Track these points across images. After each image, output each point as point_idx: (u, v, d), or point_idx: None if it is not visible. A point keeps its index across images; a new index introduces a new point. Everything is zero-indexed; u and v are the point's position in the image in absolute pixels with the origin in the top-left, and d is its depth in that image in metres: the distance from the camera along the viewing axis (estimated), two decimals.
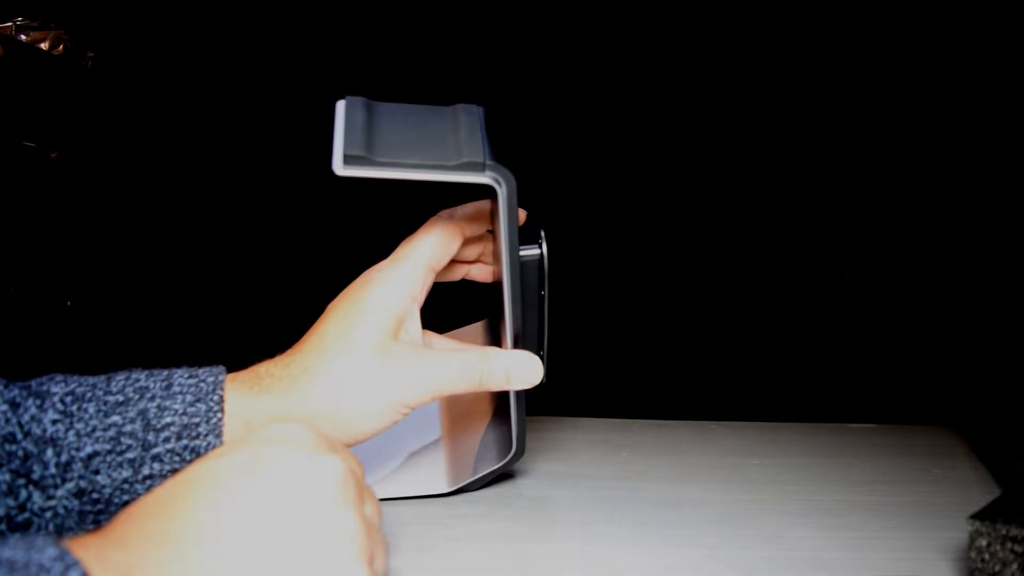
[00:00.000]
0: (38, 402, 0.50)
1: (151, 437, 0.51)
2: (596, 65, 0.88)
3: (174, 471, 0.51)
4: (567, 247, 0.65)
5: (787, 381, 0.92)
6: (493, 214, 0.58)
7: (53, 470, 0.49)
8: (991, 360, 0.87)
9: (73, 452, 0.50)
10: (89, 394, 0.51)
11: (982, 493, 0.66)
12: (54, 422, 0.50)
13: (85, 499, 0.50)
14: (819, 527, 0.61)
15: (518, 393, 0.61)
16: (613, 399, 0.88)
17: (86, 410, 0.51)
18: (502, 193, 0.54)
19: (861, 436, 0.77)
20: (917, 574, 0.55)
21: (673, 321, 0.94)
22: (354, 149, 0.52)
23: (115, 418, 0.51)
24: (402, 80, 0.87)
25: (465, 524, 0.60)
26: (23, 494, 0.48)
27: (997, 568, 0.50)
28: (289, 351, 0.56)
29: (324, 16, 0.86)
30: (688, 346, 0.94)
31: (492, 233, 0.62)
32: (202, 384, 0.53)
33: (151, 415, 0.51)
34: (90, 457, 0.50)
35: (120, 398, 0.51)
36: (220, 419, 0.52)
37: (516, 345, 0.59)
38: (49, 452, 0.49)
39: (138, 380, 0.53)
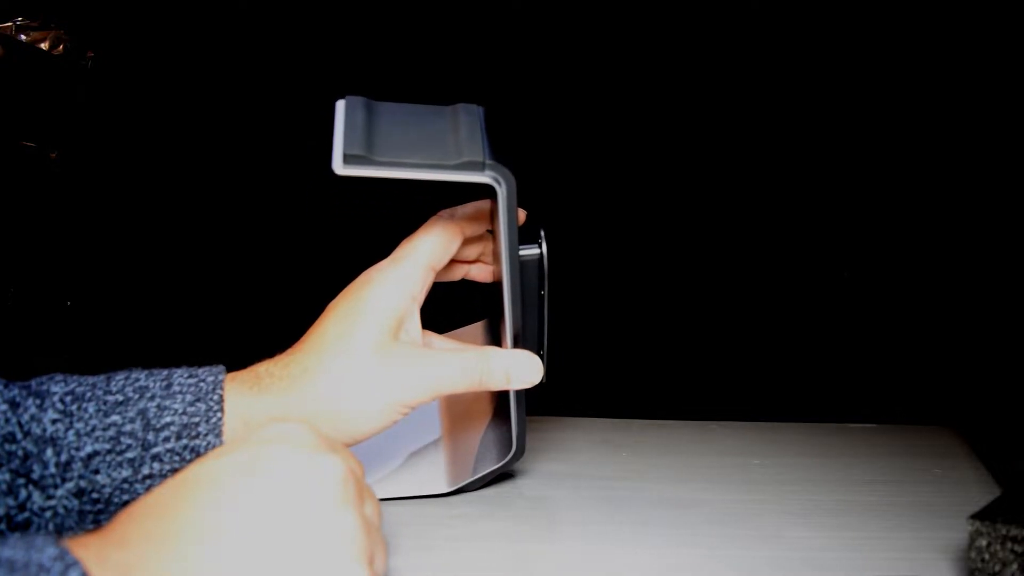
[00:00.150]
0: (38, 402, 0.50)
1: (151, 437, 0.51)
2: (596, 65, 0.88)
3: (174, 471, 0.51)
4: (567, 247, 0.65)
5: (787, 381, 0.92)
6: (493, 214, 0.58)
7: (53, 470, 0.49)
8: (991, 360, 0.87)
9: (73, 452, 0.50)
10: (89, 394, 0.51)
11: (982, 493, 0.66)
12: (54, 422, 0.50)
13: (85, 499, 0.50)
14: (819, 527, 0.61)
15: (518, 393, 0.61)
16: (613, 399, 0.88)
17: (86, 410, 0.51)
18: (502, 192, 0.54)
19: (861, 436, 0.77)
20: (917, 574, 0.55)
21: (673, 321, 0.94)
22: (354, 148, 0.52)
23: (115, 418, 0.51)
24: (402, 80, 0.87)
25: (465, 524, 0.60)
26: (23, 494, 0.48)
27: (997, 568, 0.50)
28: (289, 351, 0.56)
29: (324, 16, 0.86)
30: (688, 346, 0.94)
31: (492, 233, 0.62)
32: (202, 384, 0.53)
33: (151, 415, 0.51)
34: (90, 457, 0.50)
35: (120, 398, 0.51)
36: (220, 419, 0.52)
37: (516, 345, 0.59)
38: (49, 452, 0.49)
39: (138, 380, 0.53)
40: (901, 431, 0.78)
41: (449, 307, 0.65)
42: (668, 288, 0.93)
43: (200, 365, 0.55)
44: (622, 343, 0.94)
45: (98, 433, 0.50)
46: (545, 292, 0.60)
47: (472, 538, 0.58)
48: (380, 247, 0.59)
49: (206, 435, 0.52)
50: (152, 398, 0.52)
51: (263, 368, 0.55)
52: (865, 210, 0.90)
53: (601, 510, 0.62)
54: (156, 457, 0.51)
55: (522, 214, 0.59)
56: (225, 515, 0.40)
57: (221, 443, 0.52)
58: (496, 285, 0.61)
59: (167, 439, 0.51)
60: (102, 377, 0.53)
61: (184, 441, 0.51)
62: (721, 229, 0.92)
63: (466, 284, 0.65)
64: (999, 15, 0.81)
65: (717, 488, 0.66)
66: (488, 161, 0.53)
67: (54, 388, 0.51)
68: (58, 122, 0.82)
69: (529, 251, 0.59)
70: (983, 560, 0.50)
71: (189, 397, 0.52)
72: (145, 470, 0.51)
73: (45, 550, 0.36)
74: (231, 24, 0.86)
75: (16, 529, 0.48)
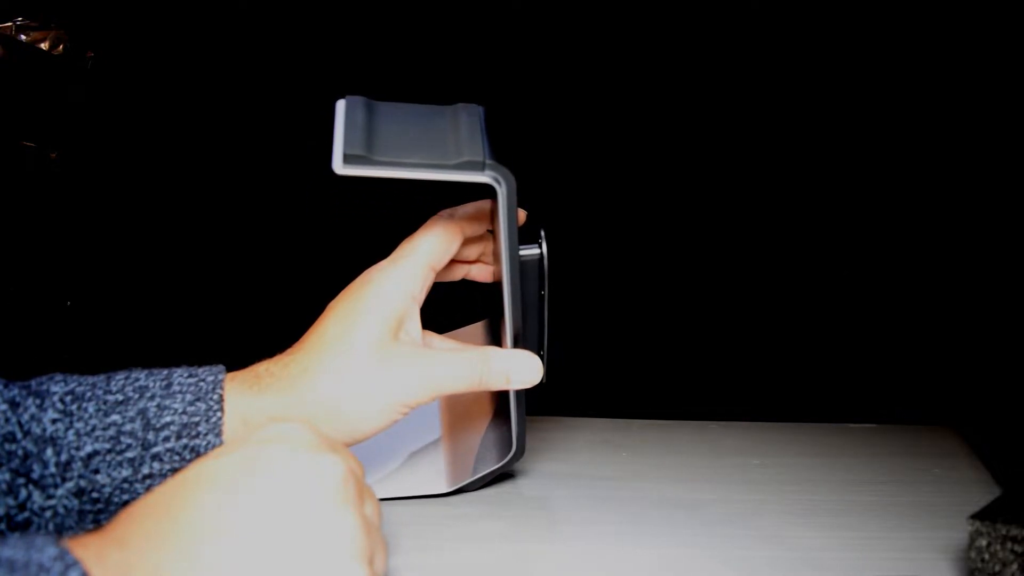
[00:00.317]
0: (38, 401, 0.50)
1: (151, 436, 0.51)
2: (596, 65, 0.88)
3: (174, 470, 0.51)
4: (567, 247, 0.65)
5: (787, 381, 0.92)
6: (493, 214, 0.58)
7: (53, 469, 0.49)
8: (991, 360, 0.87)
9: (73, 451, 0.50)
10: (89, 393, 0.51)
11: (982, 493, 0.66)
12: (54, 421, 0.50)
13: (85, 498, 0.50)
14: (819, 527, 0.61)
15: (518, 393, 0.61)
16: (613, 399, 0.88)
17: (86, 409, 0.51)
18: (502, 192, 0.54)
19: (861, 436, 0.77)
20: (917, 574, 0.55)
21: (673, 321, 0.94)
22: (354, 148, 0.52)
23: (115, 417, 0.51)
24: (402, 80, 0.87)
25: (465, 524, 0.60)
26: (23, 493, 0.48)
27: (997, 568, 0.50)
28: (289, 350, 0.56)
29: (324, 16, 0.86)
30: (688, 346, 0.94)
31: (492, 233, 0.62)
32: (202, 383, 0.53)
33: (151, 414, 0.51)
34: (90, 456, 0.50)
35: (120, 397, 0.51)
36: (219, 418, 0.52)
37: (516, 345, 0.59)
38: (49, 451, 0.49)
39: (138, 379, 0.53)
40: (901, 431, 0.78)
41: (449, 307, 0.65)
42: (668, 288, 0.93)
43: (200, 365, 0.55)
44: (622, 343, 0.94)
45: (98, 433, 0.50)
46: (545, 292, 0.60)
47: (472, 538, 0.58)
48: (380, 247, 0.59)
49: (206, 435, 0.52)
50: (152, 398, 0.52)
51: (263, 368, 0.55)
52: (865, 210, 0.90)
53: (601, 510, 0.62)
54: (156, 457, 0.51)
55: (522, 214, 0.59)
56: (225, 515, 0.40)
57: (221, 443, 0.52)
58: (496, 285, 0.61)
59: (167, 439, 0.51)
60: (102, 377, 0.53)
61: (184, 441, 0.51)
62: (721, 229, 0.92)
63: (466, 284, 0.65)
64: (999, 15, 0.81)
65: (717, 488, 0.66)
66: (488, 161, 0.53)
67: (54, 388, 0.51)
68: (58, 122, 0.82)
69: (529, 251, 0.59)
70: (983, 560, 0.50)
71: (189, 397, 0.52)
72: (145, 469, 0.51)
73: (45, 550, 0.36)
74: (231, 24, 0.86)
75: (16, 529, 0.48)
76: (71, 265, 0.86)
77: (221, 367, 0.55)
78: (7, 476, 0.48)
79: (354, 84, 0.59)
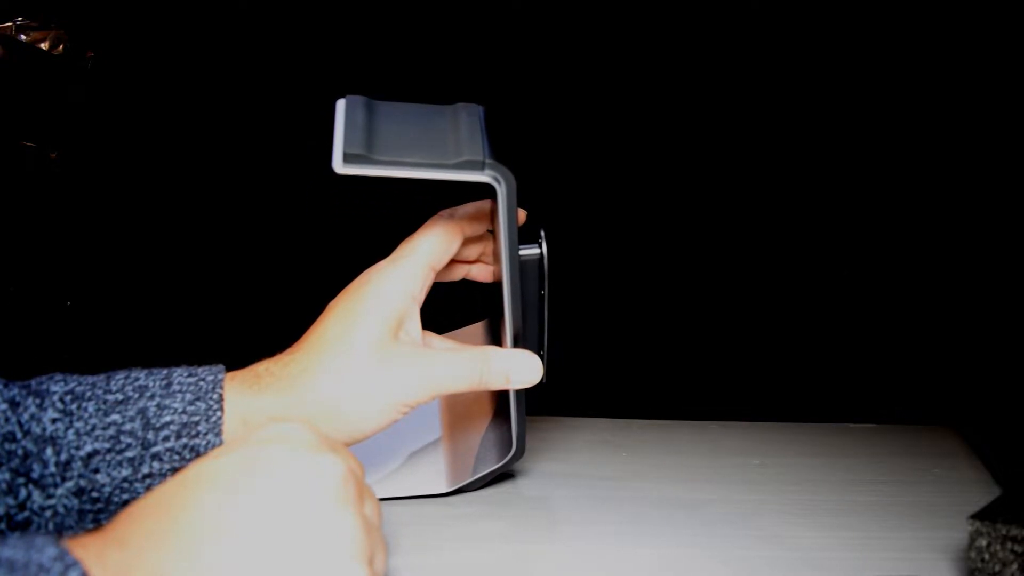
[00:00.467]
0: (38, 401, 0.50)
1: (151, 436, 0.51)
2: (596, 65, 0.88)
3: (174, 470, 0.51)
4: (567, 247, 0.65)
5: (787, 381, 0.92)
6: (493, 213, 0.58)
7: (53, 469, 0.49)
8: (991, 360, 0.87)
9: (73, 451, 0.50)
10: (89, 393, 0.51)
11: (982, 493, 0.66)
12: (54, 421, 0.50)
13: (85, 498, 0.50)
14: (819, 527, 0.61)
15: (518, 393, 0.61)
16: (613, 399, 0.88)
17: (86, 409, 0.51)
18: (502, 192, 0.54)
19: (861, 436, 0.77)
20: (917, 574, 0.55)
21: (673, 321, 0.94)
22: (354, 147, 0.52)
23: (115, 417, 0.51)
24: (402, 80, 0.87)
25: (465, 524, 0.60)
26: (23, 493, 0.48)
27: (997, 568, 0.50)
28: (289, 350, 0.56)
29: (324, 16, 0.86)
30: (688, 346, 0.94)
31: (492, 233, 0.62)
32: (201, 383, 0.53)
33: (151, 414, 0.51)
34: (90, 456, 0.50)
35: (120, 397, 0.51)
36: (219, 418, 0.52)
37: (516, 345, 0.59)
38: (49, 451, 0.49)
39: (137, 379, 0.53)
40: (901, 431, 0.78)
41: (449, 307, 0.65)
42: (668, 288, 0.93)
43: (200, 365, 0.55)
44: (622, 343, 0.94)
45: (98, 432, 0.50)
46: (545, 292, 0.60)
47: (472, 538, 0.58)
48: (380, 247, 0.59)
49: (206, 434, 0.52)
50: (152, 397, 0.52)
51: (263, 367, 0.55)
52: (865, 210, 0.90)
53: (601, 510, 0.62)
54: (156, 456, 0.51)
55: (522, 214, 0.59)
56: (225, 515, 0.40)
57: (221, 442, 0.52)
58: (496, 285, 0.61)
59: (167, 438, 0.51)
60: (102, 376, 0.53)
61: (184, 440, 0.51)
62: (721, 229, 0.92)
63: (466, 284, 0.65)
64: (999, 15, 0.81)
65: (717, 488, 0.66)
66: (488, 160, 0.53)
67: (54, 387, 0.51)
68: (58, 122, 0.82)
69: (529, 251, 0.59)
70: (983, 560, 0.50)
71: (189, 396, 0.52)
72: (145, 469, 0.51)
73: (45, 550, 0.36)
74: (231, 24, 0.86)
75: (16, 528, 0.48)
76: (71, 265, 0.86)
77: (221, 367, 0.55)
78: (7, 476, 0.48)
79: (354, 84, 0.59)
